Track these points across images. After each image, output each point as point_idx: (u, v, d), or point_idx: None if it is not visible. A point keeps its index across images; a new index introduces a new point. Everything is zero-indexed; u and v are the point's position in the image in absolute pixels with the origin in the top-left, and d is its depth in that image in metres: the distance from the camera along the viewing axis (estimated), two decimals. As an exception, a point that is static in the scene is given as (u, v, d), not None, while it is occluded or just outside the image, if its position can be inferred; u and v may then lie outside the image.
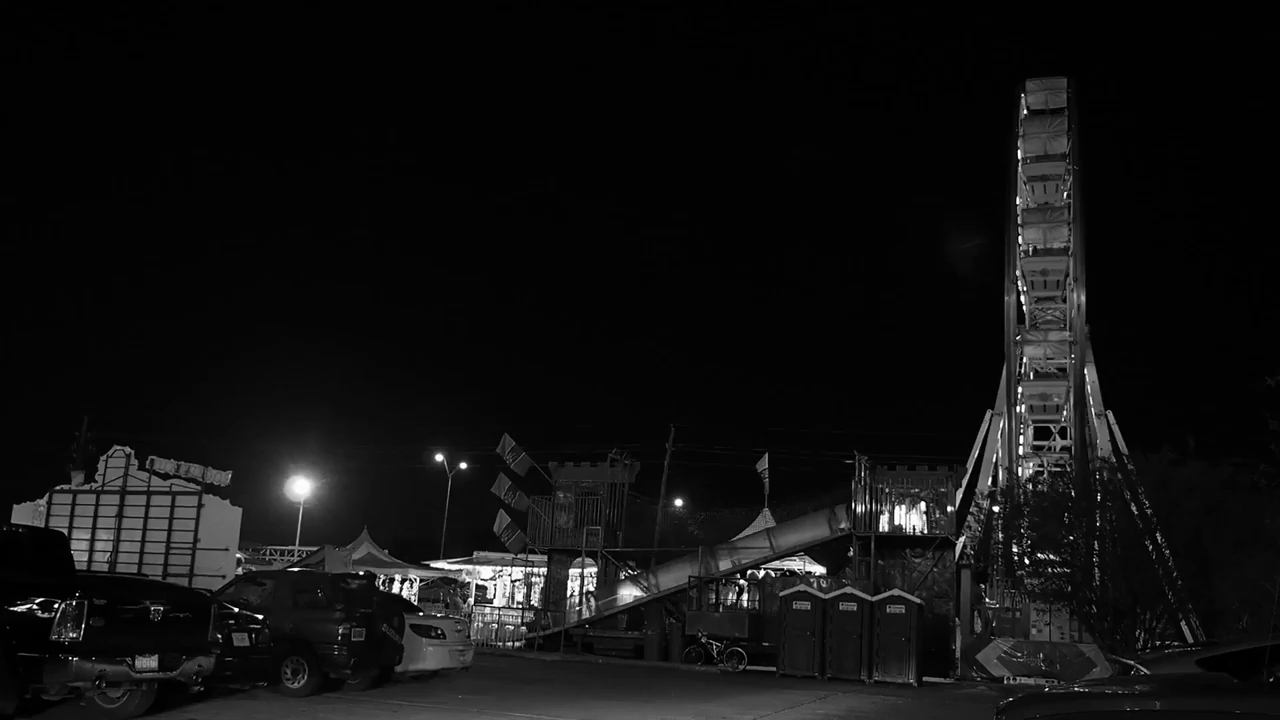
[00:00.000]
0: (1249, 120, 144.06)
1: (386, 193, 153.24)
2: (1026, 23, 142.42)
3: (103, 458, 28.29)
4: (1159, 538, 26.83)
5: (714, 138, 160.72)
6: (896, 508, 32.28)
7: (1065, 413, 46.25)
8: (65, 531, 21.70)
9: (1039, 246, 47.26)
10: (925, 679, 25.95)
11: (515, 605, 41.81)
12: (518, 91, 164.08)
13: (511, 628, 36.15)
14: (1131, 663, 13.25)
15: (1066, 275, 46.59)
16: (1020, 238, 47.37)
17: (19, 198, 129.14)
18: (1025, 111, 48.95)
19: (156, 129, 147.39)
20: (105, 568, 25.87)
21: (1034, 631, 30.68)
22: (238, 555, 31.92)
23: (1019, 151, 48.39)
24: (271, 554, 47.60)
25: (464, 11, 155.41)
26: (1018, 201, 47.75)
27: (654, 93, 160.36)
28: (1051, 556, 28.70)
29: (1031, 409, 47.19)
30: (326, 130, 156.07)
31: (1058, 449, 47.02)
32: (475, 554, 49.78)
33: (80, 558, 23.71)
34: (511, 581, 47.80)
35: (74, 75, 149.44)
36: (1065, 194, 47.43)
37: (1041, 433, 48.91)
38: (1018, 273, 47.11)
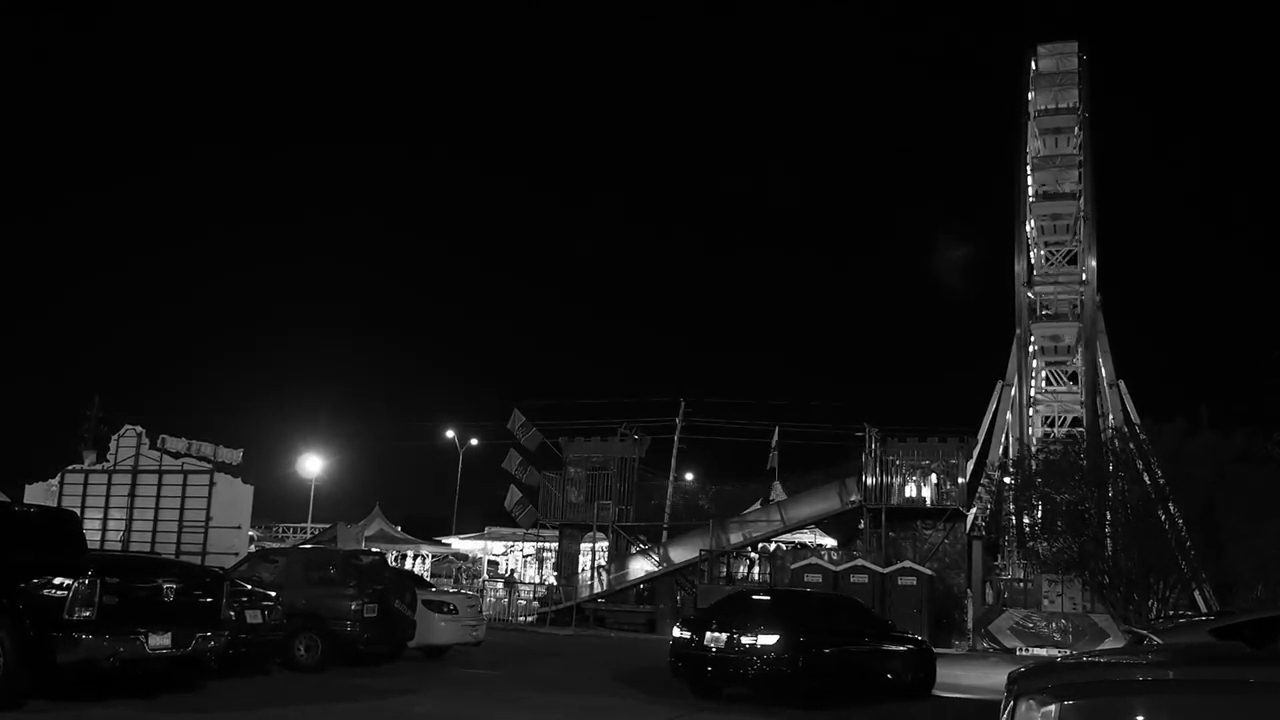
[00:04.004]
0: (1267, 90, 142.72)
1: (393, 175, 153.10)
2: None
3: (114, 437, 28.31)
4: (1171, 508, 26.74)
5: (717, 121, 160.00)
6: (907, 480, 32.26)
7: (1076, 359, 46.91)
8: (78, 511, 21.72)
9: (1049, 190, 47.78)
10: (937, 650, 25.91)
11: (527, 582, 41.97)
12: (521, 73, 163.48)
13: (524, 602, 36.31)
14: (1144, 632, 13.24)
15: (1077, 218, 46.98)
16: (1030, 182, 47.79)
17: (31, 180, 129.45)
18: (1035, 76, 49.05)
19: (165, 112, 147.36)
20: (118, 547, 25.95)
21: (1046, 602, 30.66)
22: (250, 533, 31.99)
23: (1030, 99, 48.71)
24: (284, 531, 47.87)
25: (467, 5, 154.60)
26: (1029, 149, 48.18)
27: (654, 76, 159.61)
28: (1063, 526, 28.63)
29: (1043, 350, 47.59)
30: (330, 114, 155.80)
31: (1066, 388, 47.79)
32: (487, 529, 49.92)
33: (93, 537, 23.77)
34: (524, 556, 47.98)
35: (88, 55, 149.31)
36: (1076, 144, 47.79)
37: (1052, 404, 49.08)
38: (1029, 224, 47.44)
